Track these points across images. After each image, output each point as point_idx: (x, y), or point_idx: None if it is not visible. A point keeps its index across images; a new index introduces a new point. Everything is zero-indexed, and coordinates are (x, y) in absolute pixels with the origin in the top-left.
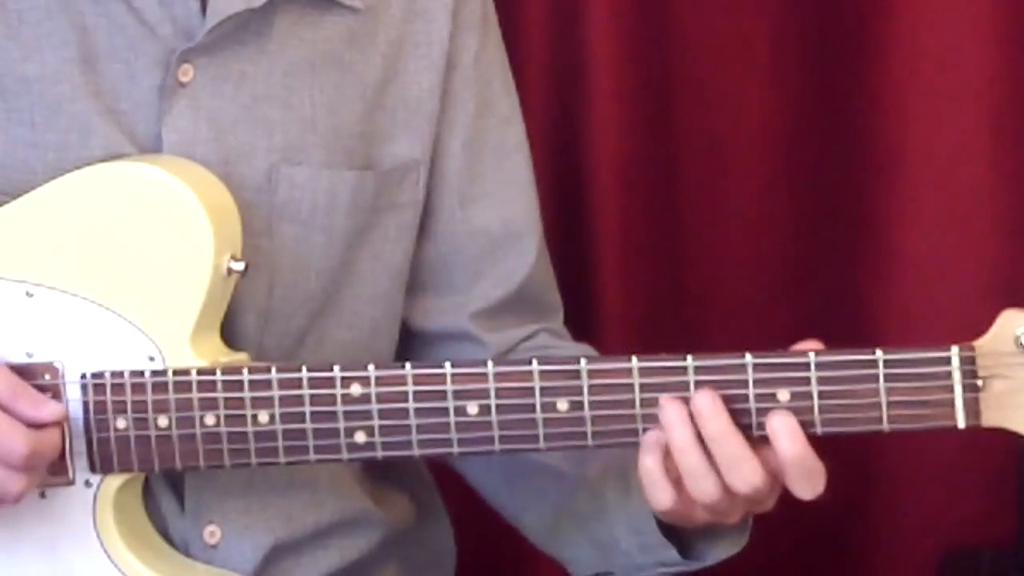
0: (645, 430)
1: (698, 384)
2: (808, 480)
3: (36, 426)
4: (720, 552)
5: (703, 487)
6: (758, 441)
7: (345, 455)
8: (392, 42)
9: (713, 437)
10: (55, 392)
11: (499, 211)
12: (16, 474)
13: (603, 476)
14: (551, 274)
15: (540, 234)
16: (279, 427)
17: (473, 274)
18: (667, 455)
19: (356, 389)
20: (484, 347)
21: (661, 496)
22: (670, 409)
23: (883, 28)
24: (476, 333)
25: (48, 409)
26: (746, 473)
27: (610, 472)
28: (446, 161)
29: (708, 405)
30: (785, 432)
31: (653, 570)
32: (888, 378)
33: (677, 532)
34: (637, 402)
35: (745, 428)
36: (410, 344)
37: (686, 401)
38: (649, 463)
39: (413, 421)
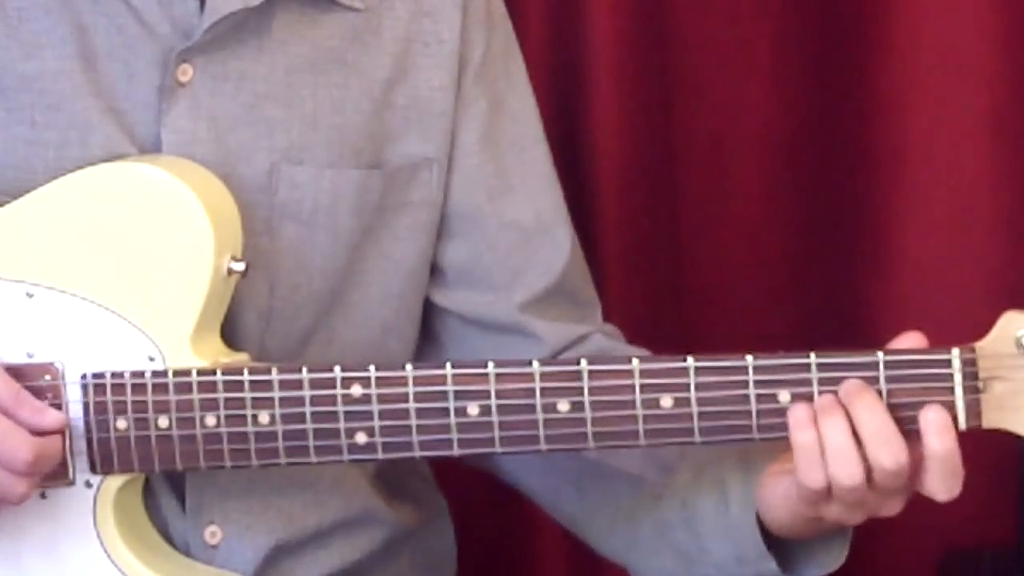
0: (646, 431)
1: (699, 386)
2: (952, 479)
3: (38, 433)
4: (816, 568)
5: (849, 469)
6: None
7: (346, 456)
8: (399, 41)
9: (864, 406)
10: (55, 392)
11: (528, 204)
12: (19, 479)
13: (696, 484)
14: (586, 268)
15: (571, 226)
16: (280, 428)
17: (512, 269)
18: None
19: (357, 390)
20: (539, 342)
21: (818, 474)
22: (824, 398)
23: (883, 28)
24: (528, 324)
25: (50, 417)
26: (895, 449)
27: (704, 480)
28: (466, 159)
29: (857, 384)
30: (939, 426)
31: None
32: (889, 379)
33: (775, 546)
34: (638, 403)
35: (746, 430)
36: (463, 334)
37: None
38: (810, 438)
39: (414, 422)
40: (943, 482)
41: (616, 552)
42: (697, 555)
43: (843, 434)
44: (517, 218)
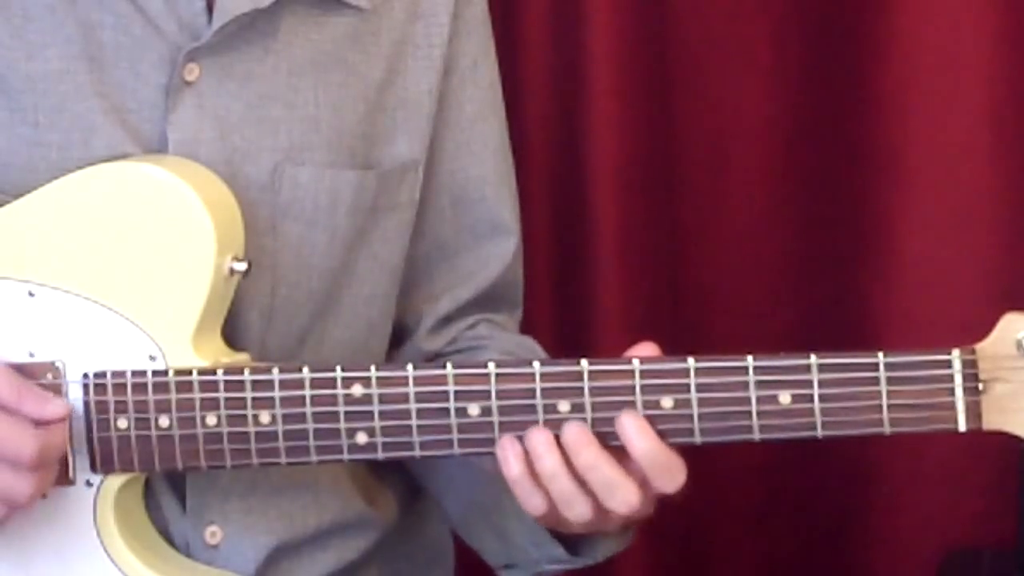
0: None
1: (699, 386)
2: (668, 474)
3: (42, 423)
4: (606, 549)
5: (577, 511)
6: (619, 452)
7: (346, 456)
8: (395, 43)
9: (587, 466)
10: (56, 392)
11: (486, 210)
12: (26, 475)
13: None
14: (520, 274)
15: (520, 236)
16: (280, 428)
17: (458, 273)
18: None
19: (358, 390)
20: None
21: (535, 502)
22: (536, 437)
23: (883, 28)
24: (426, 326)
25: (53, 406)
26: (625, 496)
27: None
28: (437, 163)
29: (577, 434)
30: (634, 431)
31: (546, 565)
32: (889, 381)
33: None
34: (639, 404)
35: (746, 430)
36: None
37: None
38: (516, 473)
39: (414, 422)
40: (663, 479)
41: (461, 533)
42: (509, 537)
43: (570, 486)
44: (472, 224)
